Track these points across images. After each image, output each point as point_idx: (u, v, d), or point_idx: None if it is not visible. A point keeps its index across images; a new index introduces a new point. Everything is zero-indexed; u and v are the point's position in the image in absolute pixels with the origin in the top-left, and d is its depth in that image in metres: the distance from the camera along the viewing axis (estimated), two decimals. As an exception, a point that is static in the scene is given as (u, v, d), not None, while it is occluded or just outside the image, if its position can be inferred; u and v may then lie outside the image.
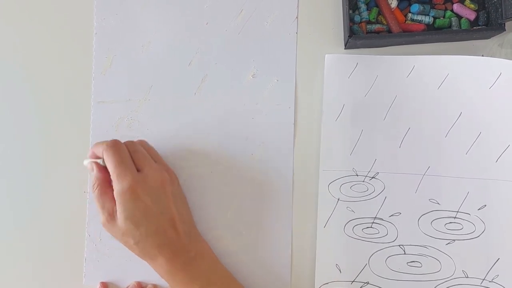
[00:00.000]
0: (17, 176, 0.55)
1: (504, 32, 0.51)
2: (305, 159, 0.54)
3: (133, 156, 0.49)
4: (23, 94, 0.55)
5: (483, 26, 0.53)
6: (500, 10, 0.51)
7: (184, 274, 0.48)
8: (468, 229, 0.52)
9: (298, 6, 0.54)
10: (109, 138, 0.54)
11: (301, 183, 0.54)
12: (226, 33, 0.55)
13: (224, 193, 0.54)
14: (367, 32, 0.54)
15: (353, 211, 0.52)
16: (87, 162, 0.50)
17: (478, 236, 0.51)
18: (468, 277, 0.51)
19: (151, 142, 0.54)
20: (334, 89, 0.53)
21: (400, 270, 0.52)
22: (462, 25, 0.53)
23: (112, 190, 0.48)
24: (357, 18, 0.53)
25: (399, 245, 0.52)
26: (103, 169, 0.48)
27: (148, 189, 0.47)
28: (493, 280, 0.51)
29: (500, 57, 0.52)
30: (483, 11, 0.53)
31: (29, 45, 0.55)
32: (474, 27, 0.53)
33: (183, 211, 0.51)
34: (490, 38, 0.53)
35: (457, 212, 0.52)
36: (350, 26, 0.53)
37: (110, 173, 0.47)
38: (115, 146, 0.48)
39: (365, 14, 0.53)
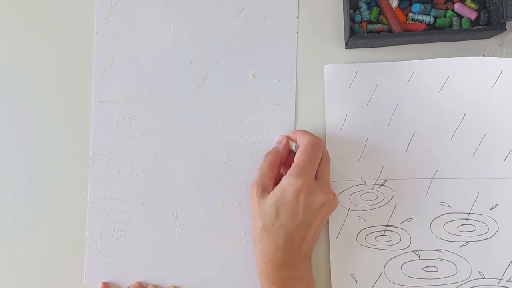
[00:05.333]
0: (18, 176, 0.55)
1: (505, 31, 0.51)
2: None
3: (321, 163, 0.49)
4: (24, 94, 0.55)
5: (484, 25, 0.53)
6: (501, 9, 0.51)
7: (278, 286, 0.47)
8: (481, 230, 0.51)
9: (298, 6, 0.54)
10: (110, 138, 0.54)
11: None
12: (226, 32, 0.55)
13: (225, 193, 0.54)
14: (368, 32, 0.53)
15: (364, 220, 0.52)
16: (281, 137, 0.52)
17: (492, 236, 0.51)
18: (485, 278, 0.51)
19: (152, 142, 0.54)
20: (336, 99, 0.53)
21: (416, 275, 0.52)
22: (463, 25, 0.53)
23: (279, 171, 0.50)
24: (357, 18, 0.53)
25: (413, 251, 0.52)
26: (289, 152, 0.51)
27: (311, 199, 0.47)
28: (510, 279, 0.51)
29: (501, 56, 0.52)
30: (484, 10, 0.53)
31: (30, 45, 0.55)
32: (475, 27, 0.53)
33: (316, 236, 0.50)
34: (491, 37, 0.53)
35: (469, 213, 0.52)
36: (351, 26, 0.53)
37: (295, 162, 0.48)
38: (317, 145, 0.49)
39: (365, 14, 0.53)
